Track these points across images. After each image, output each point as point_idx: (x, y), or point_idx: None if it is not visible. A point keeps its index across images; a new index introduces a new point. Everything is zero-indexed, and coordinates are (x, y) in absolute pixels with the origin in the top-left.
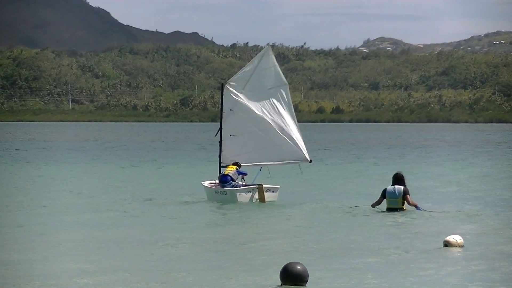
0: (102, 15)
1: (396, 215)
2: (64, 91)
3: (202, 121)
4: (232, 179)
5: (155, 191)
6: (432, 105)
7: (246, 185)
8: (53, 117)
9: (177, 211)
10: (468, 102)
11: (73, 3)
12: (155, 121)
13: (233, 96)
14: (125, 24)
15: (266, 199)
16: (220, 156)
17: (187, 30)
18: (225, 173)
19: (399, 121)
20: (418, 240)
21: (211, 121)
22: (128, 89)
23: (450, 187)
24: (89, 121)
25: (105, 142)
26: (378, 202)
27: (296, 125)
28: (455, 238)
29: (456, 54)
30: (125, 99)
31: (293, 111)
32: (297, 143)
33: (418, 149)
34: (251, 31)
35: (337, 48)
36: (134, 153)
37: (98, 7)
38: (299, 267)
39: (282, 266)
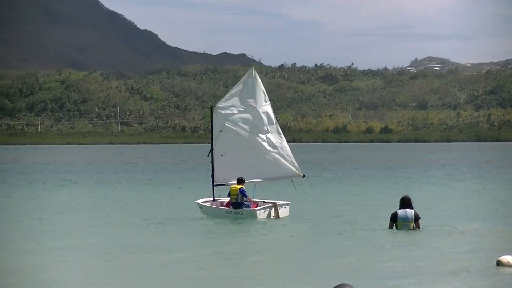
0: (150, 37)
1: (440, 235)
2: (112, 114)
3: None
4: (243, 203)
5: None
6: (481, 124)
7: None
8: (102, 139)
9: (210, 233)
10: None
11: (121, 26)
12: (204, 143)
13: (222, 117)
14: (172, 46)
15: (280, 216)
16: (212, 176)
17: (235, 51)
18: (233, 199)
19: (448, 141)
20: (469, 259)
21: None
22: (176, 111)
23: (501, 205)
24: (138, 143)
25: (158, 164)
26: (390, 227)
27: (284, 141)
28: (508, 258)
29: (504, 73)
30: (174, 121)
31: (279, 128)
32: (287, 159)
33: (467, 168)
34: (298, 51)
35: (385, 68)
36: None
37: (146, 29)
38: None
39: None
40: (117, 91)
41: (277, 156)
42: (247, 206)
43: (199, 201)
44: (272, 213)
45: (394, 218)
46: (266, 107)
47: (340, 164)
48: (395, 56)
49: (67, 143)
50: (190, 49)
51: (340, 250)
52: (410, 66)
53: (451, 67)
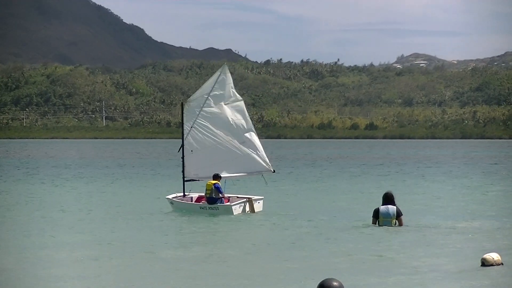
0: (136, 32)
1: (427, 232)
2: (98, 108)
3: None
4: (218, 199)
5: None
6: (466, 121)
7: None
8: (87, 134)
9: (192, 226)
10: (502, 118)
11: (107, 20)
12: None
13: (193, 113)
14: (159, 41)
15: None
16: (183, 171)
17: (221, 46)
18: (208, 194)
19: (433, 137)
20: (454, 258)
21: None
22: (162, 106)
23: (484, 203)
24: (123, 138)
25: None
26: (374, 223)
27: (256, 137)
28: (493, 256)
29: (490, 70)
30: (159, 116)
31: (252, 125)
32: (258, 155)
33: (449, 165)
34: (285, 47)
35: (371, 64)
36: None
37: (132, 24)
38: (335, 283)
39: (319, 282)
40: (102, 86)
41: (248, 152)
42: (222, 202)
43: (170, 196)
44: (247, 208)
45: (376, 214)
46: (237, 104)
47: (329, 160)
48: (381, 53)
49: (52, 138)
50: (176, 44)
51: (325, 247)
52: (396, 62)
53: (437, 64)
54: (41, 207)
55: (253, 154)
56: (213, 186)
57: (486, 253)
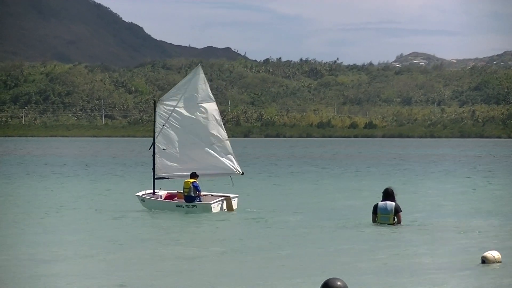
0: (135, 30)
1: (427, 229)
2: (97, 107)
3: (235, 136)
4: (196, 197)
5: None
6: (465, 120)
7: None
8: (86, 132)
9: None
10: (501, 117)
11: (106, 19)
12: None
13: (165, 112)
14: (158, 39)
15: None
16: (153, 169)
17: (220, 45)
18: (186, 192)
19: (432, 136)
20: (455, 255)
21: (244, 136)
22: None
23: (485, 202)
24: (122, 136)
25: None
26: (374, 221)
27: (226, 139)
28: (493, 254)
29: (489, 69)
30: None
31: (223, 126)
32: (227, 156)
33: (453, 163)
34: (284, 46)
35: (370, 63)
36: None
37: (131, 22)
38: (339, 283)
39: (323, 281)
40: (101, 84)
41: (217, 153)
42: (200, 200)
43: (140, 193)
44: (225, 206)
45: (375, 210)
46: (209, 104)
47: (331, 159)
48: (381, 51)
49: (51, 136)
50: (176, 42)
51: (324, 246)
52: (395, 61)
53: (436, 63)
54: (32, 205)
55: (222, 155)
56: (191, 185)
57: (486, 251)
